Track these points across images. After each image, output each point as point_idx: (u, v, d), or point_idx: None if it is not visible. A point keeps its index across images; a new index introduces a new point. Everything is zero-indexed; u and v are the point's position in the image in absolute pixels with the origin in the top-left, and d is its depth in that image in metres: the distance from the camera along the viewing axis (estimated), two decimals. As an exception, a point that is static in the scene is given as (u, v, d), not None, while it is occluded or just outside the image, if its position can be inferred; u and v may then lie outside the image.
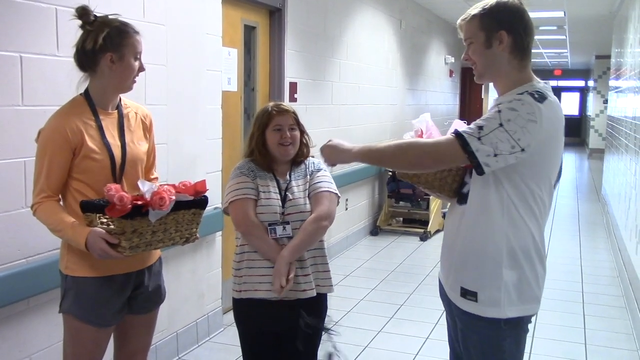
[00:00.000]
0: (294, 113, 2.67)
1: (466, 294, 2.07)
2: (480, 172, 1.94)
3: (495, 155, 1.90)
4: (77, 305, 2.29)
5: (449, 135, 2.00)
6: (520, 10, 2.04)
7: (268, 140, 2.63)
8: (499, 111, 1.92)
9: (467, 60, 2.11)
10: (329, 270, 2.69)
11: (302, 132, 2.69)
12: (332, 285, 2.69)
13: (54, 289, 2.79)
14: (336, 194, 2.68)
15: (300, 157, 2.70)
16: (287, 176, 2.65)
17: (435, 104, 10.84)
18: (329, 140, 2.29)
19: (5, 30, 2.62)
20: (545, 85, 2.05)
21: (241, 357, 3.89)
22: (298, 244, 2.53)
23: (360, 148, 2.17)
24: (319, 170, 2.71)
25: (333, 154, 2.24)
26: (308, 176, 2.68)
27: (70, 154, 2.21)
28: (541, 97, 1.94)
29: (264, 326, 2.60)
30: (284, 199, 2.59)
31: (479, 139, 1.90)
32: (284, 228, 2.55)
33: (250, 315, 2.61)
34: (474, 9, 2.06)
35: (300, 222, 2.57)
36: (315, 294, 2.58)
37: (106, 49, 2.24)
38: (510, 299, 2.01)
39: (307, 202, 2.63)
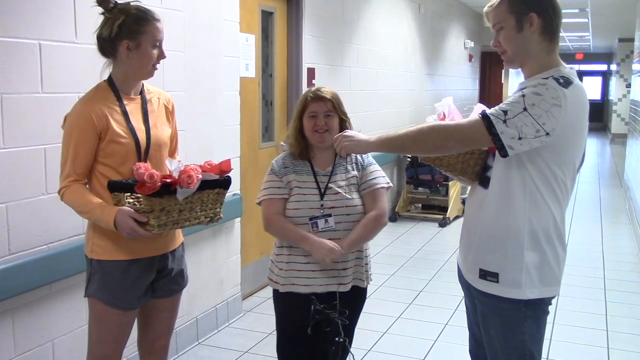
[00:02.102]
0: (333, 99, 2.60)
1: (486, 275, 2.07)
2: (504, 154, 1.94)
3: (520, 138, 1.90)
4: (102, 289, 2.31)
5: (475, 116, 1.99)
6: None
7: (305, 127, 2.60)
8: (523, 95, 1.92)
9: (496, 47, 2.11)
10: (369, 264, 2.69)
11: (343, 119, 2.62)
12: (368, 279, 2.68)
13: (76, 274, 2.83)
14: (389, 186, 2.68)
15: None
16: (330, 167, 2.62)
17: (455, 89, 10.74)
18: (344, 131, 2.28)
19: (24, 18, 2.63)
20: (571, 70, 2.05)
21: (260, 342, 3.92)
22: (357, 239, 2.55)
23: (378, 137, 2.16)
24: (369, 164, 2.67)
25: (349, 146, 2.22)
26: (355, 171, 2.64)
27: (95, 139, 2.24)
28: (566, 82, 1.94)
29: (302, 318, 2.58)
30: (324, 192, 2.57)
31: (504, 122, 1.91)
32: (326, 221, 2.53)
33: (289, 308, 2.62)
34: None
35: (345, 216, 2.56)
36: (349, 289, 2.58)
37: (122, 36, 2.25)
38: (531, 280, 2.02)
39: (355, 196, 2.60)
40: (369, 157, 2.70)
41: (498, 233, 2.05)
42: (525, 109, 1.90)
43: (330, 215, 2.54)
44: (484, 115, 1.95)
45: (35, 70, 2.69)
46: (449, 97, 2.35)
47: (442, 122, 2.12)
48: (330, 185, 2.58)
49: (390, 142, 2.13)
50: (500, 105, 1.97)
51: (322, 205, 2.55)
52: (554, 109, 1.89)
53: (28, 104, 2.66)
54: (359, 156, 2.68)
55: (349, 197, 2.58)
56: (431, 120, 2.25)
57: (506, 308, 2.06)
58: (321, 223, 2.53)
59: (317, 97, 2.59)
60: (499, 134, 1.91)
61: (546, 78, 1.95)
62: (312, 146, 2.62)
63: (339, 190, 2.58)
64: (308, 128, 2.59)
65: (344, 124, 2.62)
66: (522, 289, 2.02)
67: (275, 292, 2.65)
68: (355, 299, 2.64)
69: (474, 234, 2.14)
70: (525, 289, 2.02)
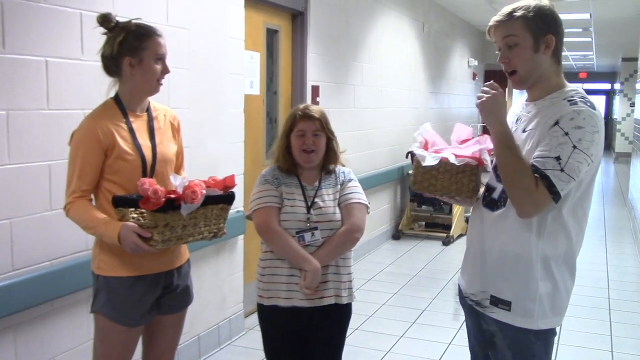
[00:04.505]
0: (321, 118, 2.60)
1: (498, 302, 2.03)
2: (557, 200, 1.87)
3: (574, 179, 1.85)
4: (108, 305, 2.31)
5: (535, 175, 1.86)
6: (557, 14, 1.99)
7: (292, 145, 2.60)
8: (566, 133, 1.84)
9: (505, 62, 1.99)
10: (351, 280, 2.66)
11: (330, 138, 2.63)
12: (351, 295, 2.65)
13: (79, 290, 2.82)
14: (366, 204, 2.66)
15: (328, 163, 2.64)
16: (317, 183, 2.62)
17: (458, 107, 10.76)
18: (497, 90, 1.96)
19: (31, 35, 2.65)
20: (581, 90, 2.01)
21: (262, 360, 3.85)
22: (326, 254, 2.53)
23: (507, 128, 1.95)
24: (349, 180, 2.67)
25: (487, 106, 1.95)
26: (339, 185, 2.65)
27: (102, 155, 2.25)
28: (592, 103, 1.91)
29: (285, 331, 2.60)
30: (310, 206, 2.56)
31: (562, 170, 1.83)
32: (313, 234, 2.53)
33: (273, 321, 2.61)
34: (518, 11, 1.94)
35: (329, 231, 2.55)
36: (333, 302, 2.56)
37: (124, 53, 2.27)
38: (543, 310, 1.99)
39: (337, 211, 2.60)
40: (350, 174, 2.71)
41: (512, 261, 2.00)
42: (575, 147, 1.83)
43: (316, 229, 2.53)
44: (543, 176, 1.84)
45: (42, 87, 2.70)
46: (427, 123, 2.28)
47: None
48: (316, 200, 2.58)
49: (504, 144, 1.92)
50: (543, 151, 1.86)
51: (308, 219, 2.54)
52: (596, 137, 1.86)
53: (34, 120, 2.67)
54: (341, 172, 2.68)
55: (333, 212, 2.58)
56: (415, 148, 2.17)
57: (516, 334, 2.02)
58: (307, 236, 2.52)
59: (305, 115, 2.59)
60: (559, 192, 1.84)
61: (574, 102, 1.88)
62: (298, 164, 2.62)
63: (325, 205, 2.58)
64: (296, 147, 2.58)
65: (330, 142, 2.63)
66: (534, 319, 1.99)
67: (260, 306, 2.62)
68: (337, 316, 2.61)
69: (483, 258, 2.09)
70: (538, 319, 1.98)
